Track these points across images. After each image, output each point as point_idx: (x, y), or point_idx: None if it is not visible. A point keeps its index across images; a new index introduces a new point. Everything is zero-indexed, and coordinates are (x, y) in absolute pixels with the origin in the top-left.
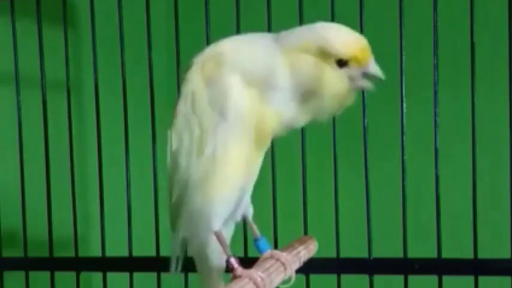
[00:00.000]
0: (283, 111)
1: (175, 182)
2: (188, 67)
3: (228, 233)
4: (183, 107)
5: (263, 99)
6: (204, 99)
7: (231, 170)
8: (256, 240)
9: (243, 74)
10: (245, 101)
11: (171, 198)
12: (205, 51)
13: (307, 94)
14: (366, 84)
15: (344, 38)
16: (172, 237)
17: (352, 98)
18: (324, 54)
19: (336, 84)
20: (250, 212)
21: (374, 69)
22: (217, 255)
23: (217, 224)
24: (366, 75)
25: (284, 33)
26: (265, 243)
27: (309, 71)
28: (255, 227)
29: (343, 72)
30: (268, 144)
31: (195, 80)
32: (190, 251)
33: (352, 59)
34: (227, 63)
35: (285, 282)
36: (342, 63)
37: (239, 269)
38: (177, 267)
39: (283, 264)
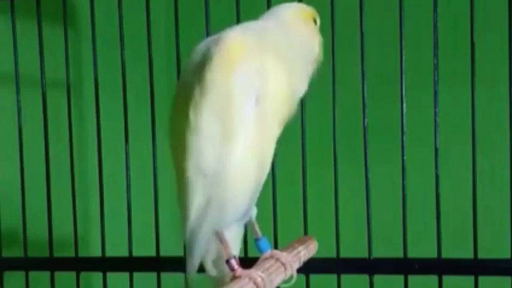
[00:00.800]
0: (294, 83)
1: (201, 179)
2: (195, 58)
3: (238, 234)
4: (206, 100)
5: (283, 75)
6: (232, 87)
7: (265, 157)
8: (257, 239)
9: (264, 54)
10: (281, 80)
11: (192, 201)
12: (217, 43)
13: (306, 57)
14: None
15: (305, 6)
16: (198, 241)
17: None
18: (311, 17)
19: (318, 42)
20: (254, 211)
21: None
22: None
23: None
24: None
25: (265, 19)
26: (265, 243)
27: (309, 34)
28: (257, 226)
29: (317, 30)
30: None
31: (218, 71)
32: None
33: (315, 19)
34: (248, 48)
35: (286, 281)
36: (315, 21)
37: (239, 269)
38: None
39: (283, 264)
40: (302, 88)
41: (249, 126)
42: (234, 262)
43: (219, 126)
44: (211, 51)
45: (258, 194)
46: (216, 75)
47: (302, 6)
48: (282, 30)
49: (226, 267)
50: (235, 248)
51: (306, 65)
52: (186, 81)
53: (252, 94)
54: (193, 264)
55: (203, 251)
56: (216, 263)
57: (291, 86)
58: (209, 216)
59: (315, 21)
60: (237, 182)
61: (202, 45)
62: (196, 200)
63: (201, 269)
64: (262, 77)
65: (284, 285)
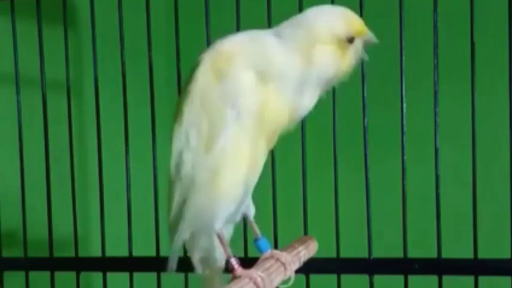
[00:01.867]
0: (299, 103)
1: (179, 181)
2: (195, 65)
3: (226, 234)
4: (190, 104)
5: (277, 94)
6: (215, 95)
7: (241, 168)
8: (256, 240)
9: (255, 69)
10: (258, 96)
11: (173, 198)
12: (213, 48)
13: (325, 80)
14: (364, 55)
15: (345, 17)
16: (176, 237)
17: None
18: (335, 38)
19: (349, 62)
20: (251, 211)
21: (370, 35)
22: (218, 256)
23: (219, 223)
24: (366, 42)
25: (283, 29)
26: (265, 243)
27: (329, 58)
28: (256, 226)
29: (351, 48)
30: (275, 140)
31: (205, 77)
32: (190, 252)
33: (357, 34)
34: (239, 58)
35: (284, 282)
36: (351, 40)
37: (239, 269)
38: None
39: (283, 264)
40: (308, 106)
41: (227, 138)
42: (234, 262)
43: (197, 134)
44: (202, 58)
45: (245, 200)
46: (199, 84)
47: (338, 16)
48: (285, 54)
49: (215, 266)
50: (216, 257)
51: (319, 86)
52: (185, 85)
53: (230, 108)
54: (172, 258)
55: (179, 247)
56: (204, 261)
57: (287, 105)
58: (186, 216)
59: (351, 39)
60: (211, 190)
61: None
62: (175, 200)
63: None
64: (238, 94)
65: (283, 286)
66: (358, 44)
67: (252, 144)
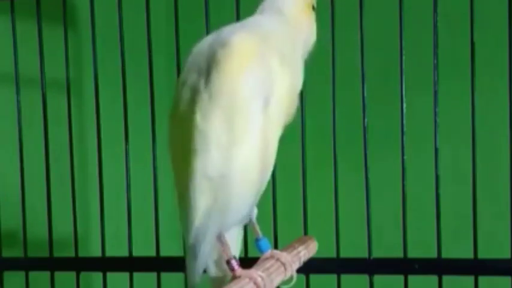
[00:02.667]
0: (298, 80)
1: (206, 182)
2: (210, 62)
3: (238, 235)
4: (212, 102)
5: (290, 75)
6: (243, 89)
7: (269, 159)
8: (257, 240)
9: (277, 55)
10: (286, 83)
11: (196, 205)
12: (228, 44)
13: (309, 47)
14: None
15: None
16: (204, 243)
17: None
18: (307, 4)
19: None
20: (254, 212)
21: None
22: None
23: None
24: None
25: (265, 12)
26: (266, 243)
27: (313, 23)
28: (257, 226)
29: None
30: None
31: (227, 73)
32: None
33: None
34: (259, 50)
35: (286, 282)
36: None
37: (239, 270)
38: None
39: (283, 264)
40: (300, 83)
41: (256, 131)
42: (234, 262)
43: (227, 131)
44: (217, 54)
45: (259, 196)
46: (225, 80)
47: None
48: (284, 29)
49: (226, 268)
50: (235, 249)
51: (303, 58)
52: (190, 83)
53: (260, 99)
54: (198, 268)
55: (208, 255)
56: (217, 263)
57: (293, 87)
58: (213, 220)
59: (313, 7)
60: (242, 185)
61: (204, 45)
62: (202, 204)
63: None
64: (270, 82)
65: (284, 286)
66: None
67: (276, 134)
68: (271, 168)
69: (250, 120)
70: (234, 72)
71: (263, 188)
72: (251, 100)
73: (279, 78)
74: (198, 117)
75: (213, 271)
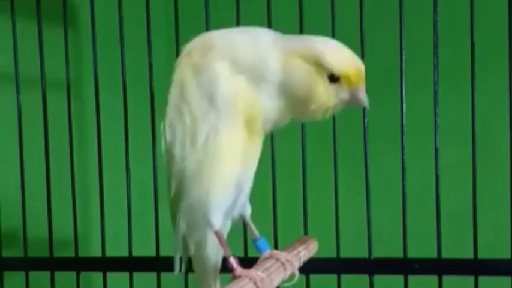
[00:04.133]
0: (269, 105)
1: (172, 175)
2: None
3: (224, 231)
4: (173, 96)
5: (252, 88)
6: (193, 86)
7: (224, 159)
8: (255, 240)
9: (231, 60)
10: (233, 87)
11: (170, 193)
12: (194, 39)
13: (294, 97)
14: (353, 101)
15: (341, 56)
16: (174, 234)
17: (337, 109)
18: (318, 65)
19: (322, 97)
20: (248, 211)
21: (362, 94)
22: (214, 254)
23: (215, 220)
24: (353, 97)
25: (285, 36)
26: (264, 243)
27: (301, 77)
28: (253, 226)
29: (332, 87)
30: (260, 134)
31: (183, 68)
32: (189, 250)
33: (343, 77)
34: (215, 49)
35: (287, 281)
36: (333, 78)
37: (238, 269)
38: (180, 268)
39: (283, 264)
40: (283, 117)
41: (208, 129)
42: (233, 261)
43: (182, 127)
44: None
45: (241, 196)
46: (178, 76)
47: (338, 52)
48: (269, 52)
49: (209, 265)
50: (214, 258)
51: (290, 103)
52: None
53: (207, 97)
54: (175, 254)
55: (181, 251)
56: (196, 259)
57: (257, 99)
58: (182, 210)
59: (335, 77)
60: (200, 182)
61: None
62: (171, 194)
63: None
64: (219, 81)
65: (286, 284)
66: (343, 90)
67: (233, 134)
68: (229, 171)
69: (199, 119)
70: (185, 68)
71: (240, 188)
72: (198, 98)
73: (227, 82)
74: (165, 111)
75: (197, 268)
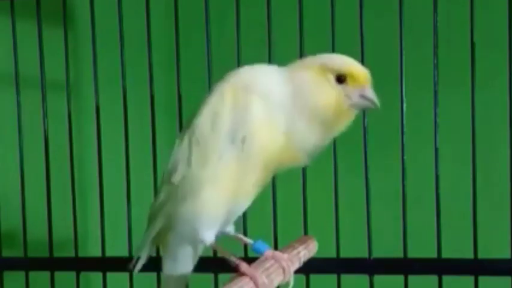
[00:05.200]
0: (293, 133)
1: (167, 184)
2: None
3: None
4: (203, 117)
5: (271, 123)
6: (226, 122)
7: (224, 193)
8: (252, 245)
9: (266, 101)
10: (265, 133)
11: (158, 197)
12: (238, 72)
13: (308, 110)
14: (365, 102)
15: (346, 58)
16: (145, 234)
17: (352, 116)
18: (323, 69)
19: (332, 99)
20: (231, 229)
21: (370, 93)
22: (185, 269)
23: (208, 236)
24: (363, 98)
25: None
26: (262, 245)
27: (308, 84)
28: (242, 236)
29: (340, 88)
30: (271, 174)
31: (220, 100)
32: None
33: (350, 77)
34: (254, 90)
35: (283, 286)
36: (340, 79)
37: (243, 265)
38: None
39: (283, 268)
40: (312, 140)
41: (222, 160)
42: (236, 260)
43: (198, 149)
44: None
45: (227, 222)
46: (213, 105)
47: (340, 56)
48: (284, 76)
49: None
50: (190, 265)
51: (312, 118)
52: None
53: (236, 134)
54: (142, 247)
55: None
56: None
57: (280, 135)
58: (160, 217)
59: (341, 76)
60: (191, 203)
61: None
62: (160, 199)
63: (201, 268)
64: (246, 121)
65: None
66: (351, 90)
67: (244, 172)
68: (225, 203)
69: (217, 149)
70: (223, 101)
71: (229, 217)
72: (226, 131)
73: (261, 125)
74: (187, 129)
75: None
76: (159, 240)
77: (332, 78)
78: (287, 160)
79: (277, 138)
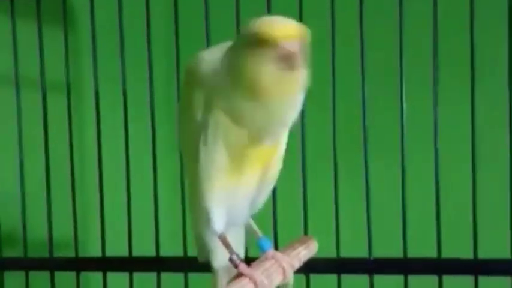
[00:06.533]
0: (234, 113)
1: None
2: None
3: (237, 237)
4: (179, 115)
5: (221, 100)
6: (190, 108)
7: (216, 175)
8: (258, 239)
9: (208, 80)
10: (212, 116)
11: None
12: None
13: (239, 86)
14: (285, 62)
15: (263, 20)
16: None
17: (294, 84)
18: (242, 39)
19: (253, 69)
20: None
21: (288, 45)
22: (220, 259)
23: (217, 226)
24: (283, 57)
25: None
26: (267, 242)
27: (231, 59)
28: (255, 226)
29: (260, 54)
30: (263, 158)
31: (183, 90)
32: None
33: (266, 38)
34: (198, 72)
35: (283, 286)
36: (259, 44)
37: (242, 265)
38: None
39: (283, 268)
40: (257, 122)
41: (203, 145)
42: (237, 259)
43: (188, 143)
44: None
45: (244, 210)
46: (181, 96)
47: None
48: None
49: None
50: (239, 250)
51: (242, 92)
52: None
53: (201, 115)
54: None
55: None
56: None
57: (236, 122)
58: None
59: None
60: (195, 194)
61: None
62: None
63: (201, 269)
64: (200, 103)
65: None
66: (271, 52)
67: (218, 157)
68: (221, 185)
69: (196, 134)
70: (184, 90)
71: (234, 203)
72: (194, 116)
73: (211, 104)
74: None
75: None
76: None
77: (251, 46)
78: (249, 140)
79: (222, 121)
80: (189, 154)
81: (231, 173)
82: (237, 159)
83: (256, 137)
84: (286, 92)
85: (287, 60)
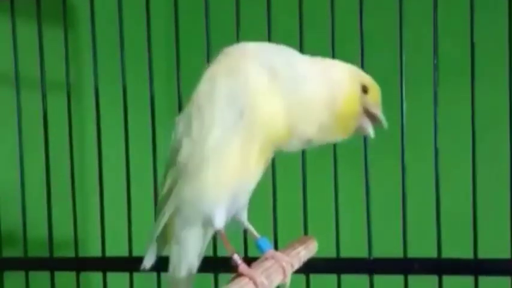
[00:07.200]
0: (301, 122)
1: (173, 165)
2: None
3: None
4: (200, 91)
5: (280, 100)
6: (222, 88)
7: (227, 166)
8: (257, 240)
9: (268, 68)
10: (265, 100)
11: (165, 182)
12: (228, 47)
13: (329, 102)
14: (368, 126)
15: (363, 74)
16: (153, 229)
17: (352, 128)
18: (354, 76)
19: (355, 101)
20: (244, 217)
21: (380, 111)
22: (194, 255)
23: (218, 219)
24: (373, 117)
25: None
26: (266, 243)
27: (343, 82)
28: (252, 228)
29: (361, 95)
30: (270, 153)
31: (216, 68)
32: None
33: (371, 90)
34: (253, 58)
35: (281, 286)
36: (364, 89)
37: (242, 266)
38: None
39: (283, 268)
40: (310, 133)
41: (221, 133)
42: (237, 258)
43: (199, 124)
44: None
45: (240, 202)
46: (209, 76)
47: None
48: (304, 62)
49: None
50: (197, 251)
51: (326, 112)
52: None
53: (234, 104)
54: (150, 240)
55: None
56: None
57: (282, 112)
58: (171, 202)
59: (365, 86)
60: (196, 182)
61: None
62: (167, 183)
63: (201, 268)
64: (249, 94)
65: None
66: (369, 102)
67: (245, 145)
68: (228, 179)
69: (217, 121)
70: (219, 70)
71: (236, 196)
72: (224, 102)
73: (262, 97)
74: (187, 105)
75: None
76: (168, 232)
77: (359, 85)
78: (282, 140)
79: (276, 115)
80: (203, 140)
81: (241, 169)
82: (253, 155)
83: (286, 140)
84: (351, 132)
85: (372, 118)
